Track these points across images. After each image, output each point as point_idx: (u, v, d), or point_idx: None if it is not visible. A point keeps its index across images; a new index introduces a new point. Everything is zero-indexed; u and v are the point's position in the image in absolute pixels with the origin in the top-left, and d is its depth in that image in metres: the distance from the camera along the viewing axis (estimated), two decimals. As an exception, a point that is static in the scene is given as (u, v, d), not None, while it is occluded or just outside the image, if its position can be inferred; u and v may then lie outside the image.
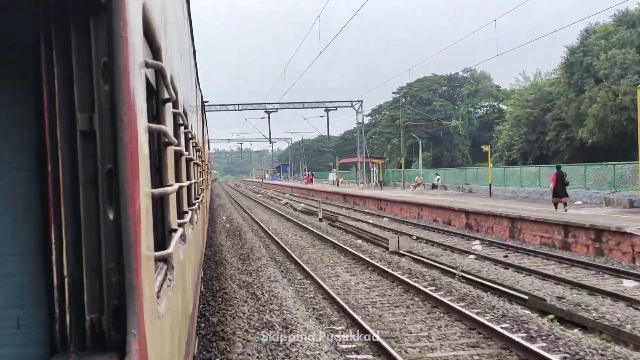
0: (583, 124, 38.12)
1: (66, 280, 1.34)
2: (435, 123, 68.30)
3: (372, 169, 57.24)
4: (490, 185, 33.06)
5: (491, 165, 42.21)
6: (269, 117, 57.53)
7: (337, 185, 62.49)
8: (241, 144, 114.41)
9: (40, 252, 1.45)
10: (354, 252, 16.35)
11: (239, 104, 56.73)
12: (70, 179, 1.33)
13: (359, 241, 19.61)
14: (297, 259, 15.41)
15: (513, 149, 50.33)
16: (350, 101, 56.72)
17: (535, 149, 46.71)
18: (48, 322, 1.37)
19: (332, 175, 71.22)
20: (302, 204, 40.45)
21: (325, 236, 20.55)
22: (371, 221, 27.18)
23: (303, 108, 58.25)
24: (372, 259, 15.04)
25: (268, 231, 22.84)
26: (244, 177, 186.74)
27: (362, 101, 56.15)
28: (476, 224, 22.50)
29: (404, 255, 15.89)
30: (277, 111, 57.20)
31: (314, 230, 22.52)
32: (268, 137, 63.13)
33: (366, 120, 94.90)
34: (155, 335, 1.63)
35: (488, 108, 72.32)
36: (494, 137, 61.06)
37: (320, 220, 27.60)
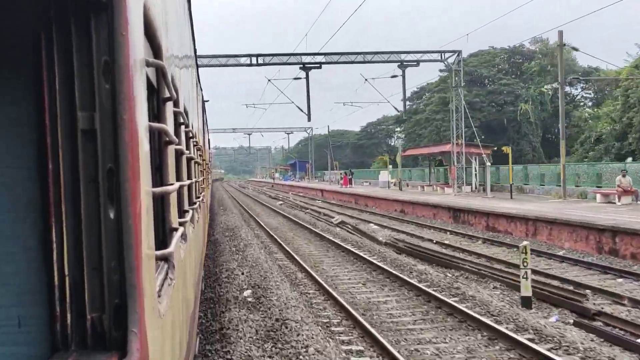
0: None
1: (67, 279, 1.34)
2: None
3: (476, 165, 35.39)
4: None
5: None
6: (307, 77, 34.59)
7: (400, 189, 41.71)
8: (249, 134, 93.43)
9: (41, 251, 1.45)
10: None
11: (257, 55, 33.86)
12: (71, 178, 1.34)
13: None
14: None
15: (630, 137, 36.39)
16: (441, 51, 35.32)
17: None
18: (49, 321, 1.37)
19: (385, 175, 50.14)
20: (373, 225, 24.00)
21: None
22: None
23: (364, 63, 34.98)
24: None
25: None
26: (247, 176, 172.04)
27: (460, 51, 35.29)
28: None
29: None
30: (320, 67, 34.20)
31: None
32: (306, 110, 36.62)
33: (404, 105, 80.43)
34: (156, 334, 1.64)
35: (551, 91, 55.43)
36: (574, 124, 48.43)
37: (527, 303, 9.85)
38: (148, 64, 1.83)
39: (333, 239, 19.20)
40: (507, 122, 51.89)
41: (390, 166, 51.21)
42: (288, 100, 42.24)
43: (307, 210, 33.88)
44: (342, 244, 18.07)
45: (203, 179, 9.96)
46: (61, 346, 1.33)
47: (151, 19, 1.87)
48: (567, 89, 55.33)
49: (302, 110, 37.39)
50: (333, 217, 28.00)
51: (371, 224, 24.66)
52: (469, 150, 35.37)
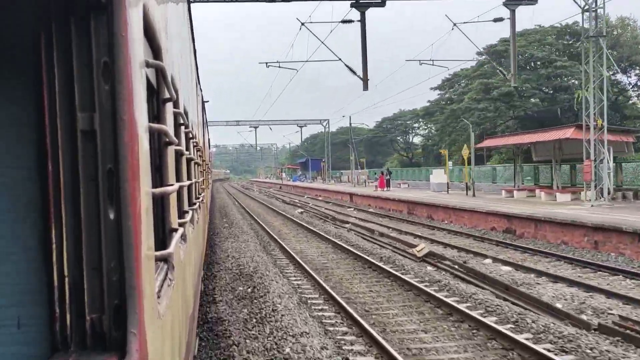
0: None
1: (67, 279, 1.34)
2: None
3: (610, 159, 22.71)
4: None
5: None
6: (362, 20, 21.55)
7: (473, 195, 30.78)
8: (255, 128, 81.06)
9: (41, 251, 1.45)
10: None
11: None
12: (71, 179, 1.34)
13: None
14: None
15: None
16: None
17: None
18: (48, 321, 1.37)
19: (441, 176, 37.53)
20: (492, 262, 13.89)
21: None
22: None
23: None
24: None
25: None
26: (249, 176, 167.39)
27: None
28: None
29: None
30: (383, 4, 21.57)
31: None
32: (361, 73, 22.30)
33: (434, 95, 64.81)
34: (156, 334, 1.64)
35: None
36: (636, 116, 41.47)
37: None
38: (148, 65, 1.83)
39: (478, 317, 8.57)
40: (561, 112, 40.98)
41: (451, 163, 39.22)
42: (331, 56, 24.76)
43: (348, 225, 23.58)
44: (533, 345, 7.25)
45: (203, 180, 9.98)
46: (61, 347, 1.33)
47: (151, 19, 1.87)
48: (620, 76, 46.70)
49: (354, 72, 23.09)
50: (405, 241, 17.62)
51: (488, 259, 14.29)
52: (602, 138, 22.34)
